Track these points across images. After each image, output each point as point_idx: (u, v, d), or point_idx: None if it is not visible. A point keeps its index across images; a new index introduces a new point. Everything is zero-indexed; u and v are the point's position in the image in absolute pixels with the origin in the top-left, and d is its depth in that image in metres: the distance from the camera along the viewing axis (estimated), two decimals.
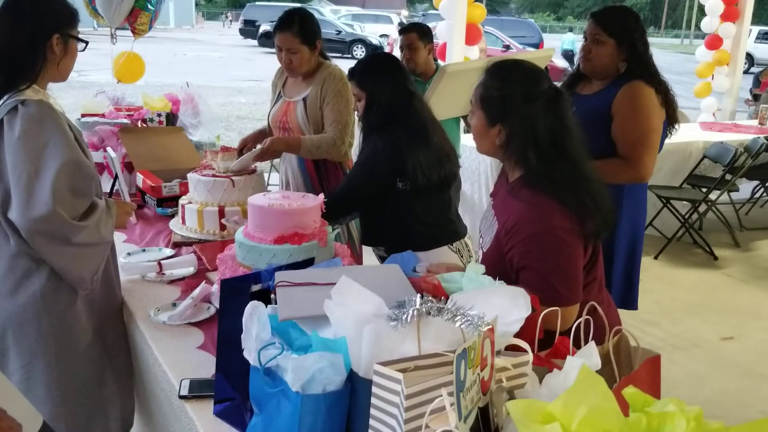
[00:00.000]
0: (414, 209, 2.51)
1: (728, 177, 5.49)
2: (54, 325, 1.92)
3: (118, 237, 2.53)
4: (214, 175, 2.57)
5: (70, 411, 1.98)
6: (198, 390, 1.53)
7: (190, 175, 2.62)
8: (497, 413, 1.11)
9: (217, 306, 1.81)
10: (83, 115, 3.56)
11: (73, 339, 1.96)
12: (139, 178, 3.03)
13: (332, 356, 1.10)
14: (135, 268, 2.25)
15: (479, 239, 1.89)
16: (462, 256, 2.61)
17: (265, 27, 24.53)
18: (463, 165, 4.77)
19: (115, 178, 2.79)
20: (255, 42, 23.99)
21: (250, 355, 1.18)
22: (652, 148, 2.56)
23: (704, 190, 5.46)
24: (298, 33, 2.90)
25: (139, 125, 3.58)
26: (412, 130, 2.46)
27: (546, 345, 1.38)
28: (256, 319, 1.18)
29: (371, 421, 1.04)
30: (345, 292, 1.14)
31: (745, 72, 9.23)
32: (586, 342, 1.26)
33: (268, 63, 15.48)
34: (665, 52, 27.80)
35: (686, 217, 5.40)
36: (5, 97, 1.82)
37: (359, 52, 22.17)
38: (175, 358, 1.72)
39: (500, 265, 1.70)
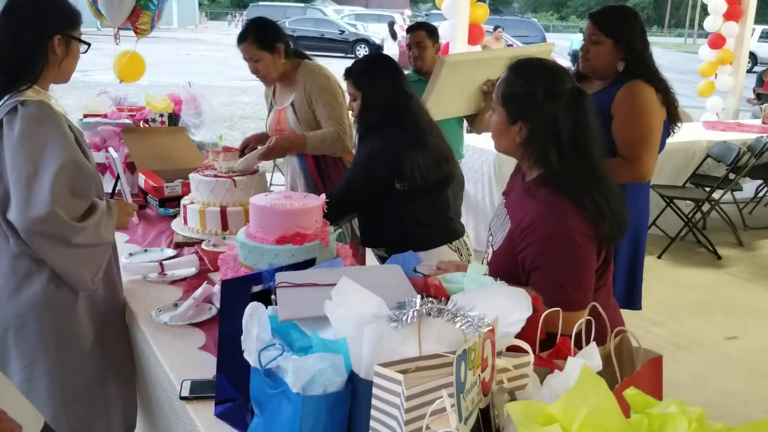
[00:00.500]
0: (412, 210, 2.51)
1: (731, 176, 5.48)
2: (55, 326, 1.92)
3: (121, 237, 2.53)
4: (216, 176, 2.57)
5: (71, 412, 1.98)
6: (199, 391, 1.53)
7: (192, 176, 2.62)
8: (498, 414, 1.10)
9: (219, 307, 1.80)
10: (85, 116, 3.57)
11: (75, 340, 1.96)
12: (141, 179, 3.03)
13: (333, 357, 1.09)
14: (137, 268, 2.25)
15: (489, 237, 1.87)
16: (461, 255, 2.62)
17: None
18: (467, 165, 4.78)
19: (117, 178, 2.79)
20: None
21: (250, 356, 1.17)
22: (652, 147, 2.55)
23: (707, 189, 5.45)
24: (254, 41, 2.98)
25: (142, 125, 3.58)
26: (408, 132, 2.46)
27: (548, 346, 1.38)
28: (256, 320, 1.18)
29: (372, 423, 1.03)
30: (345, 293, 1.14)
31: (749, 71, 9.20)
32: (588, 343, 1.25)
33: None
34: (669, 52, 27.75)
35: (690, 216, 5.38)
36: (6, 98, 1.82)
37: (362, 51, 22.14)
38: (176, 358, 1.72)
39: (511, 264, 1.69)
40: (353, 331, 1.10)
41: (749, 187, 6.44)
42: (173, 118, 3.74)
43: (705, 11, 7.61)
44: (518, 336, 1.21)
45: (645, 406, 0.90)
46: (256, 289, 1.44)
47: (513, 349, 1.22)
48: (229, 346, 1.31)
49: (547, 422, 0.86)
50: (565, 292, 1.59)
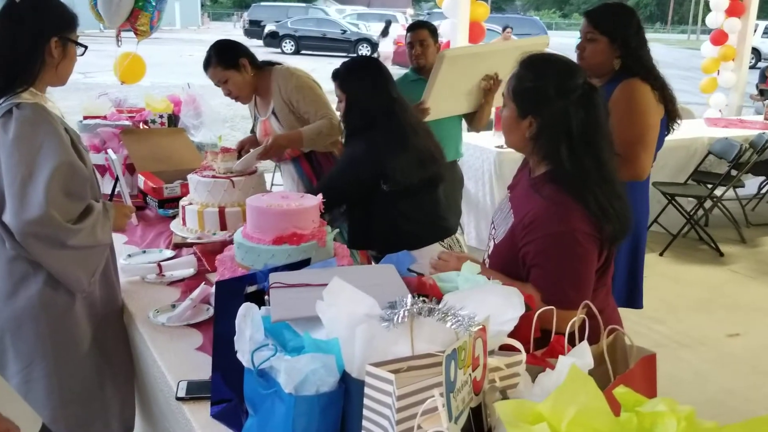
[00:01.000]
0: (401, 209, 2.55)
1: (734, 173, 5.45)
2: (52, 327, 1.92)
3: (119, 238, 2.53)
4: (214, 176, 2.58)
5: (70, 413, 1.98)
6: (195, 391, 1.53)
7: (191, 176, 2.62)
8: (490, 413, 1.10)
9: None
10: (85, 117, 3.57)
11: (72, 341, 1.96)
12: (141, 180, 3.03)
13: (325, 357, 1.09)
14: (135, 269, 2.26)
15: (491, 231, 1.87)
16: None
17: (270, 27, 24.56)
18: (467, 163, 4.78)
19: (116, 179, 2.79)
20: (260, 42, 24.01)
21: (243, 356, 1.18)
22: (648, 146, 2.54)
23: (709, 186, 5.42)
24: (218, 63, 3.01)
25: (141, 127, 3.59)
26: (390, 135, 2.49)
27: (544, 343, 1.37)
28: (249, 320, 1.18)
29: (364, 422, 1.03)
30: (337, 293, 1.13)
31: (753, 67, 9.17)
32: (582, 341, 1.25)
33: None
34: (672, 48, 27.63)
35: (691, 213, 5.37)
36: (1, 100, 1.83)
37: (364, 51, 22.15)
38: (173, 359, 1.72)
39: (511, 258, 1.69)
40: (345, 331, 1.10)
41: (751, 183, 6.41)
42: (173, 119, 3.74)
43: (708, 7, 7.59)
44: (512, 334, 1.21)
45: (635, 405, 0.89)
46: (251, 289, 1.44)
47: (506, 348, 1.22)
48: (224, 346, 1.32)
49: (536, 421, 0.86)
50: (564, 291, 1.59)
